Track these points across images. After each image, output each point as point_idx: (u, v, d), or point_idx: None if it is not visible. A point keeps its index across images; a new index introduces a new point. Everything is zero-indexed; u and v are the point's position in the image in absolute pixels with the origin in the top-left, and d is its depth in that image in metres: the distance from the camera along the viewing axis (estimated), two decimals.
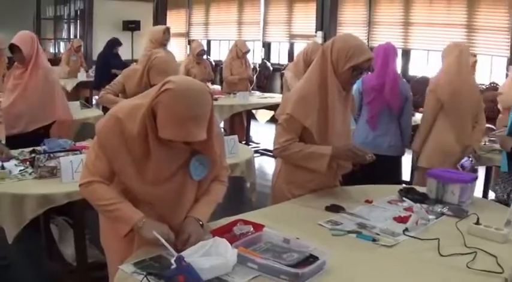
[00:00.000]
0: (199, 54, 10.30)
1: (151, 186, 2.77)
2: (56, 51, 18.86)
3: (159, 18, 18.61)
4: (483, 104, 5.51)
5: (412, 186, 3.84)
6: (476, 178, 3.70)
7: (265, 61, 14.36)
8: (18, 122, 5.24)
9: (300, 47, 12.81)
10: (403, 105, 5.31)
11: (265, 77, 13.89)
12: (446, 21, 10.61)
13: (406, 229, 2.97)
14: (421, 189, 3.70)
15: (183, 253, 2.39)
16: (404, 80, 5.58)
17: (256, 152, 8.54)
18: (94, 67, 12.41)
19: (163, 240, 2.52)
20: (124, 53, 13.20)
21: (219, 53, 17.08)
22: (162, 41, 8.19)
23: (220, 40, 17.26)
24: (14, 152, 4.65)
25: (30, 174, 4.20)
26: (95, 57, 13.20)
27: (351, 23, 12.52)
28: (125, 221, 2.70)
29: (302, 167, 3.63)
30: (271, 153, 9.06)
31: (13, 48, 5.35)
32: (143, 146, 2.67)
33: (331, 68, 3.53)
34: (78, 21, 18.80)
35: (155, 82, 4.48)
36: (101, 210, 2.84)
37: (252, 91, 10.35)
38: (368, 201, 3.52)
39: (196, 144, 2.71)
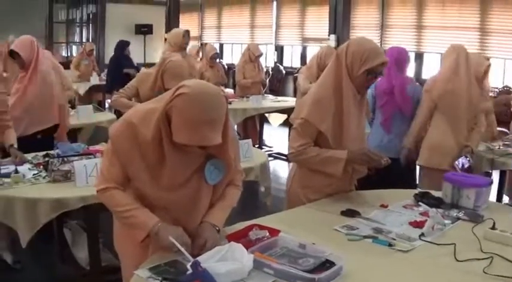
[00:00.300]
0: (213, 58, 10.20)
1: (166, 192, 2.74)
2: (68, 54, 18.57)
3: (172, 21, 18.43)
4: (488, 107, 5.45)
5: (427, 190, 3.75)
6: (491, 182, 3.64)
7: (278, 65, 14.17)
8: (18, 125, 5.16)
9: (312, 50, 12.69)
10: (415, 108, 5.27)
11: (278, 81, 13.64)
12: (459, 24, 10.50)
13: (422, 234, 2.93)
14: (436, 193, 3.62)
15: (199, 258, 2.39)
16: (417, 83, 5.53)
17: (269, 155, 8.39)
18: (106, 71, 12.38)
19: (179, 246, 2.52)
20: (136, 56, 13.12)
21: (232, 56, 16.96)
22: (182, 45, 8.12)
23: (232, 43, 17.14)
24: (28, 156, 4.66)
25: (43, 178, 4.20)
26: (107, 61, 13.38)
27: (364, 26, 12.39)
28: (141, 227, 2.69)
29: (318, 171, 3.57)
30: (284, 157, 9.01)
31: (14, 53, 5.35)
32: (158, 151, 2.64)
33: (346, 71, 3.49)
34: (91, 25, 18.67)
35: (169, 86, 4.44)
36: (118, 217, 2.85)
37: (265, 94, 10.27)
38: (383, 206, 3.47)
39: (211, 148, 2.68)
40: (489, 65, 5.95)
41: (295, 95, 9.83)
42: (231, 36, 17.09)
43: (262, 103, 9.31)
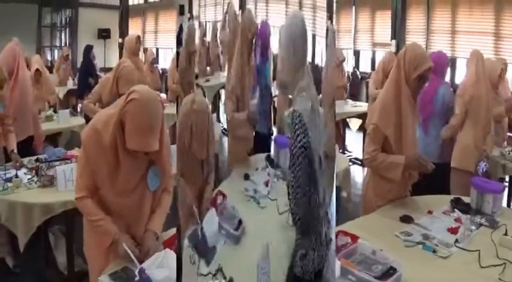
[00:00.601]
0: (152, 63, 8.53)
1: (122, 197, 2.41)
2: (52, 58, 14.72)
3: (123, 26, 15.21)
4: (500, 112, 4.88)
5: (459, 196, 3.35)
6: (504, 188, 3.30)
7: (356, 70, 11.79)
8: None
9: (380, 55, 10.66)
10: (444, 111, 4.45)
11: (356, 86, 11.21)
12: (485, 30, 8.91)
13: (457, 240, 2.69)
14: (466, 199, 3.25)
15: (143, 265, 2.23)
16: (451, 89, 4.71)
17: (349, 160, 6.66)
18: (77, 75, 10.08)
19: (131, 253, 2.32)
20: (99, 61, 11.18)
21: (165, 61, 13.75)
22: (135, 50, 6.78)
23: (165, 48, 14.27)
24: (23, 160, 4.07)
25: (35, 182, 3.69)
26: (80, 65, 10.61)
27: (415, 31, 10.30)
28: (108, 235, 2.41)
29: (383, 177, 3.14)
30: (359, 162, 7.82)
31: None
32: (115, 155, 2.30)
33: (404, 78, 3.05)
34: (67, 29, 15.02)
35: (123, 91, 3.84)
36: (92, 225, 2.47)
37: (347, 100, 8.31)
38: (429, 212, 3.11)
39: (151, 154, 2.36)
40: (503, 69, 5.19)
41: (367, 100, 8.47)
42: (165, 41, 14.33)
43: (344, 108, 7.58)
